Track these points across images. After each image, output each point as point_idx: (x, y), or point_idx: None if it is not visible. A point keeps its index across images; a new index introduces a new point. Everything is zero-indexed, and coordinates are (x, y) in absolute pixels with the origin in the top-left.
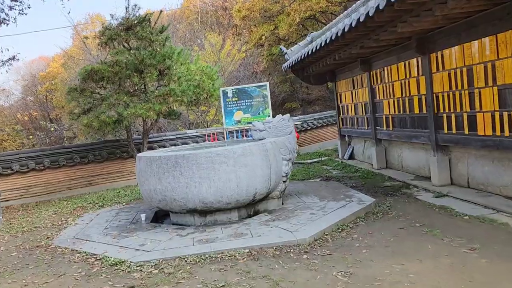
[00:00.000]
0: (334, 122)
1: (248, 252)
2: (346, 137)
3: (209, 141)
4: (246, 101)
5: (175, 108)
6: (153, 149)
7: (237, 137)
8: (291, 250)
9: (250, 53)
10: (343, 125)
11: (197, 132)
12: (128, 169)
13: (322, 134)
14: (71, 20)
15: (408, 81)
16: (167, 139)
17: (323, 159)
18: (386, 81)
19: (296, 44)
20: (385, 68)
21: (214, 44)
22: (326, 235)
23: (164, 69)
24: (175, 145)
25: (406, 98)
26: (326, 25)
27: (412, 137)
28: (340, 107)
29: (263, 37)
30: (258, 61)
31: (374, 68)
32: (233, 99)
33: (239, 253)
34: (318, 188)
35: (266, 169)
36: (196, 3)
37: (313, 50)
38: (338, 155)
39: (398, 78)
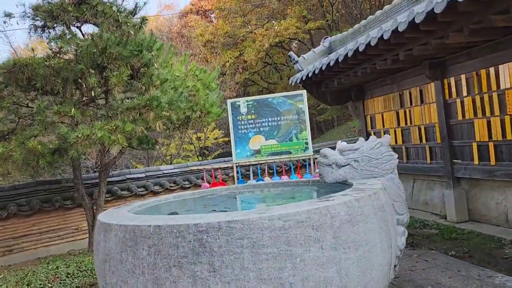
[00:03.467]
0: None
1: None
2: None
3: (208, 182)
4: (270, 119)
5: (159, 129)
6: (113, 194)
7: (255, 177)
8: None
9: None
10: None
11: (175, 169)
12: (73, 224)
13: None
14: None
15: None
16: (132, 178)
17: None
18: (485, 90)
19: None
20: (482, 72)
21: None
22: None
23: (140, 66)
24: (144, 186)
25: None
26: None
27: None
28: (372, 134)
29: (227, 63)
30: (231, 86)
31: (452, 73)
32: (249, 117)
33: None
34: (419, 267)
35: (387, 248)
36: (150, 28)
37: (353, 53)
38: None
39: None
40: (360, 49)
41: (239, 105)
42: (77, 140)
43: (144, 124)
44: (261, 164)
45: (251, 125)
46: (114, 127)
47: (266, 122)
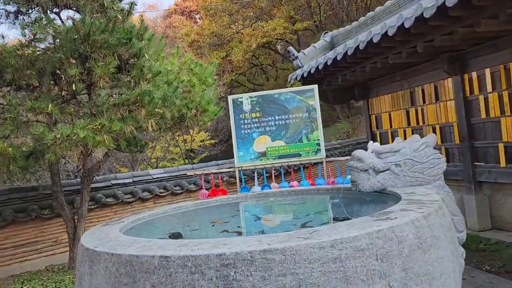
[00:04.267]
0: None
1: None
2: None
3: (206, 190)
4: (277, 117)
5: (151, 128)
6: (97, 201)
7: (260, 184)
8: None
9: None
10: None
11: (165, 173)
12: (52, 236)
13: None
14: None
15: None
16: (118, 184)
17: None
18: None
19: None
20: (510, 65)
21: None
22: None
23: (129, 57)
24: (131, 193)
25: None
26: (280, 54)
27: None
28: (378, 135)
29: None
30: (218, 86)
31: (473, 67)
32: (253, 115)
33: None
34: None
35: (459, 277)
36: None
37: (365, 45)
38: None
39: None
40: (375, 40)
41: (241, 102)
42: (55, 142)
43: (134, 123)
44: (266, 168)
45: (255, 124)
46: (100, 126)
47: (273, 121)
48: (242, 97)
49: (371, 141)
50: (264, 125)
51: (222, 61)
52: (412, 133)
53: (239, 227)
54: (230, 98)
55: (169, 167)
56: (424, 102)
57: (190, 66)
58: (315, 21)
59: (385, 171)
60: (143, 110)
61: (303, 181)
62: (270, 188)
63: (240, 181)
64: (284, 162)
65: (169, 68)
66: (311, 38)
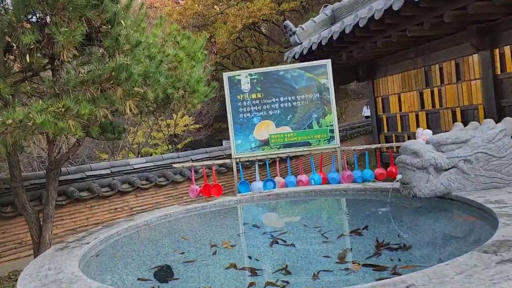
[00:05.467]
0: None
1: None
2: None
3: (197, 186)
4: (282, 99)
5: (129, 111)
6: (70, 196)
7: (262, 177)
8: None
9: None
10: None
11: (147, 162)
12: (15, 236)
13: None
14: None
15: None
16: (94, 176)
17: None
18: None
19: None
20: None
21: None
22: None
23: (101, 23)
24: (109, 185)
25: None
26: (266, 36)
27: None
28: (384, 120)
29: None
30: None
31: (506, 41)
32: (253, 96)
33: None
34: None
35: None
36: None
37: (382, 13)
38: None
39: None
40: (395, 8)
41: (239, 80)
42: (6, 129)
43: (108, 105)
44: (270, 158)
45: (256, 107)
46: (63, 109)
47: (277, 103)
48: (240, 75)
49: (420, 128)
50: (267, 108)
51: (206, 44)
52: (427, 118)
53: (250, 257)
54: (225, 75)
55: (152, 153)
56: (442, 82)
57: (177, 38)
58: (301, 2)
59: (450, 168)
60: (119, 89)
61: (313, 174)
62: (274, 183)
63: (239, 174)
64: (290, 152)
65: (151, 42)
66: (298, 19)
